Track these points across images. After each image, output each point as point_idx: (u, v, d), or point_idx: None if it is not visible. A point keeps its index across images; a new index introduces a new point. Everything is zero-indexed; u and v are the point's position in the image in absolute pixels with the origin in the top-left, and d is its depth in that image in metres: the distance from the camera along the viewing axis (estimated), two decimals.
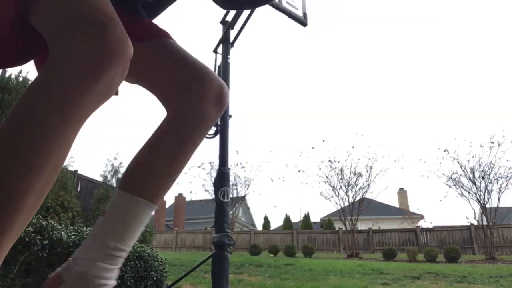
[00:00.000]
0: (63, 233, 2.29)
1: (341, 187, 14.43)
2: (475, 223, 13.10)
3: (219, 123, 2.38)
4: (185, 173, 17.15)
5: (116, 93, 0.77)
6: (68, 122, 0.58)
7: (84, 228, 2.63)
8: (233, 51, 2.67)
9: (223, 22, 2.72)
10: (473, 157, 12.20)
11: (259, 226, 29.10)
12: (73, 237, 2.34)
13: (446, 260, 10.54)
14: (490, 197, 11.91)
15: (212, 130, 2.45)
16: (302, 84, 50.38)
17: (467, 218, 16.63)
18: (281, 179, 16.71)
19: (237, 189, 16.67)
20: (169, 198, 30.99)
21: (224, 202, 2.06)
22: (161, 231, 23.51)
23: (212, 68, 2.90)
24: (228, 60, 2.57)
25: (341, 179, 14.35)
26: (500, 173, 11.90)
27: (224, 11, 2.71)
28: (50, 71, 0.59)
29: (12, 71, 5.50)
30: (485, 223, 11.89)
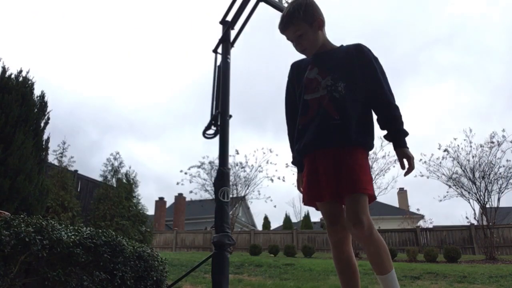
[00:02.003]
0: (63, 233, 2.28)
1: None
2: (475, 223, 13.08)
3: (219, 123, 2.38)
4: (185, 173, 17.15)
5: None
6: None
7: (84, 228, 2.62)
8: (233, 51, 2.67)
9: (223, 22, 2.72)
10: (473, 157, 12.19)
11: (259, 226, 29.10)
12: (73, 237, 2.33)
13: (446, 260, 10.53)
14: (490, 197, 11.90)
15: (212, 130, 2.44)
16: None
17: (467, 218, 16.61)
18: (281, 179, 16.57)
19: (237, 189, 16.65)
20: (169, 198, 30.98)
21: (224, 202, 2.06)
22: (161, 231, 23.53)
23: (212, 68, 2.87)
24: (228, 60, 2.56)
25: None
26: (500, 173, 11.89)
27: (224, 11, 2.70)
28: None
29: (12, 71, 5.49)
30: (485, 223, 11.88)
